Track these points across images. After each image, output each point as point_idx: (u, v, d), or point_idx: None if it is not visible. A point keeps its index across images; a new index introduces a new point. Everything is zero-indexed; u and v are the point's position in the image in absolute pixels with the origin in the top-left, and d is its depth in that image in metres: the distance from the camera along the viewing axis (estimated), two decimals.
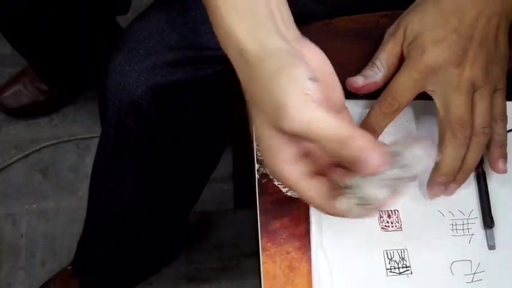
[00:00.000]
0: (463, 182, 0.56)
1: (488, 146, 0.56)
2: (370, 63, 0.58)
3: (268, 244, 0.54)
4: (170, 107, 0.68)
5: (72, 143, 1.37)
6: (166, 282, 1.28)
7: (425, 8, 0.55)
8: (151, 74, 0.65)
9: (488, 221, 0.55)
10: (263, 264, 0.53)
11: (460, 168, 0.55)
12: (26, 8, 0.91)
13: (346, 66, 0.57)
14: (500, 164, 0.56)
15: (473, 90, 0.54)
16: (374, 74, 0.57)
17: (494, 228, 0.56)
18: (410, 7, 0.58)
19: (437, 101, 0.54)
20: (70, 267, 1.16)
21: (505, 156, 0.56)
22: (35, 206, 1.32)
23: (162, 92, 0.66)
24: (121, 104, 0.68)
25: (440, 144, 0.54)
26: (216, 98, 0.71)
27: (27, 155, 1.35)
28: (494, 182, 0.58)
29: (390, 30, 0.59)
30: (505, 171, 0.56)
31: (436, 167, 0.55)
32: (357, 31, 0.63)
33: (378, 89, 0.57)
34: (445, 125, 0.54)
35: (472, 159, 0.55)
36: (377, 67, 0.57)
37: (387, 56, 0.57)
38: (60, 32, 1.00)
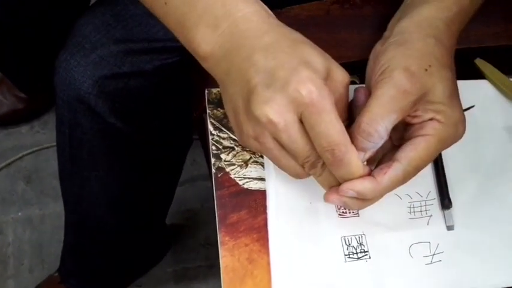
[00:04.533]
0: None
1: None
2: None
3: (227, 238, 0.54)
4: (118, 100, 0.68)
5: (54, 149, 1.35)
6: (155, 283, 1.28)
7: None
8: (97, 67, 0.64)
9: (446, 202, 0.55)
10: (222, 258, 0.53)
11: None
12: None
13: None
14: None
15: None
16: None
17: (452, 209, 0.55)
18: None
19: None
20: (56, 274, 1.16)
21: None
22: (20, 214, 1.32)
23: (109, 85, 0.65)
24: (69, 100, 0.67)
25: None
26: (168, 90, 0.71)
27: (9, 164, 1.35)
28: (451, 163, 0.57)
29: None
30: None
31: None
32: (307, 19, 0.62)
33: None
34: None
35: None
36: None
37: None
38: (27, 40, 1.00)
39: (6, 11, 0.91)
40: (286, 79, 0.44)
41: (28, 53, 1.05)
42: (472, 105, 0.59)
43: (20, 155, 1.36)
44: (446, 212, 0.55)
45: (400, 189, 0.55)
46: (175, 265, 1.29)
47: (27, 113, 1.36)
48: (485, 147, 0.58)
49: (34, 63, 1.10)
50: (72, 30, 0.68)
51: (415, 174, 0.48)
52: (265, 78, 0.45)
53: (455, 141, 0.49)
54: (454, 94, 0.49)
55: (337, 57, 0.57)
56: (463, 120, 0.49)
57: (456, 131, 0.49)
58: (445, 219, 0.55)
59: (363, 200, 0.48)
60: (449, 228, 0.55)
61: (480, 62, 0.62)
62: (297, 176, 0.49)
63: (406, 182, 0.48)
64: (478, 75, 0.62)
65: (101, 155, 0.76)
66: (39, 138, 1.38)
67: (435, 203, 0.56)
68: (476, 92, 0.60)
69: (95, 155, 0.76)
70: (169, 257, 1.27)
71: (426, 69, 0.48)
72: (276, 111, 0.44)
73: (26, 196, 1.33)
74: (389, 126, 0.47)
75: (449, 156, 0.57)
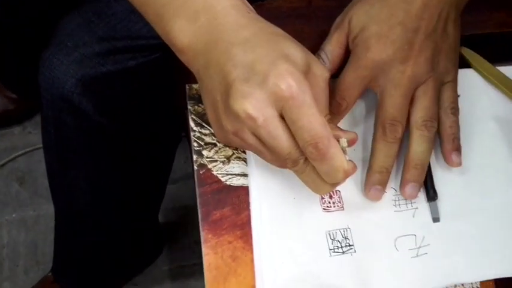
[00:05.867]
0: (421, 179, 0.54)
1: (441, 140, 0.55)
2: (315, 56, 0.56)
3: (209, 235, 0.53)
4: (103, 98, 0.67)
5: None
6: (151, 282, 1.27)
7: None
8: (79, 66, 0.64)
9: (431, 194, 0.54)
10: (205, 256, 0.53)
11: (408, 164, 0.54)
12: None
13: None
14: (454, 157, 0.55)
15: (415, 86, 0.53)
16: None
17: (437, 201, 0.54)
18: None
19: (378, 97, 0.54)
20: (50, 274, 1.16)
21: (458, 149, 0.55)
22: (14, 215, 1.31)
23: (93, 83, 0.65)
24: (53, 99, 0.67)
25: (372, 141, 0.54)
26: (153, 87, 0.70)
27: (2, 165, 1.35)
28: (436, 154, 0.57)
29: (337, 20, 0.57)
30: (459, 164, 0.55)
31: (369, 165, 0.54)
32: (289, 11, 0.61)
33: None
34: (377, 122, 0.53)
35: (420, 154, 0.53)
36: (322, 60, 0.56)
37: (332, 48, 0.56)
38: (25, 40, 0.99)
39: (5, 10, 0.91)
40: (265, 73, 0.43)
41: (23, 54, 1.05)
42: (458, 94, 0.58)
43: (13, 156, 1.35)
44: (432, 203, 0.54)
45: None
46: (171, 263, 1.29)
47: (18, 114, 1.36)
48: (472, 138, 0.57)
49: (26, 64, 1.09)
50: (55, 29, 0.67)
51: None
52: (243, 72, 0.44)
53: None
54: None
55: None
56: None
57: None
58: (430, 211, 0.54)
59: None
60: (435, 220, 0.54)
61: (466, 51, 0.61)
62: (284, 167, 0.49)
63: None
64: (464, 64, 0.61)
65: (87, 153, 0.75)
66: (32, 139, 1.37)
67: (421, 195, 0.55)
68: (462, 82, 0.59)
69: (81, 153, 0.75)
70: (164, 256, 1.26)
71: None
72: (254, 106, 0.43)
73: (19, 197, 1.33)
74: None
75: (434, 146, 0.56)
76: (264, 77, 0.43)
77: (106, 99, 0.68)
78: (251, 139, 0.46)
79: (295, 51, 0.45)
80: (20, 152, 1.35)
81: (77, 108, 0.67)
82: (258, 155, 0.49)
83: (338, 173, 0.45)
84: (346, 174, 0.46)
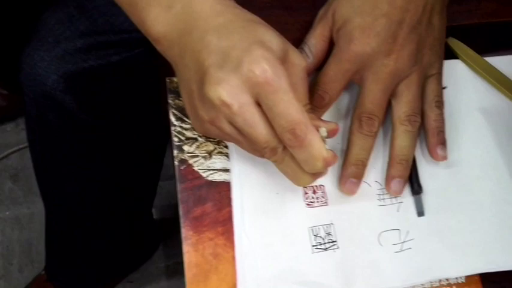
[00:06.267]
0: (406, 174, 0.53)
1: (426, 134, 0.54)
2: (298, 50, 0.55)
3: (190, 232, 0.52)
4: (86, 95, 0.66)
5: None
6: (147, 279, 1.27)
7: None
8: (61, 62, 0.63)
9: (416, 188, 0.53)
10: (185, 254, 0.52)
11: (392, 159, 0.53)
12: None
13: None
14: (439, 151, 0.54)
15: (398, 80, 0.52)
16: None
17: (422, 194, 0.53)
18: None
19: (360, 89, 0.53)
20: (43, 272, 1.15)
21: (443, 143, 0.54)
22: (7, 213, 1.31)
23: (76, 80, 0.64)
24: (35, 96, 0.66)
25: (349, 134, 0.53)
26: (137, 82, 0.69)
27: None
28: (421, 148, 0.55)
29: (320, 12, 0.56)
30: (445, 158, 0.54)
31: (344, 158, 0.53)
32: (273, 2, 0.60)
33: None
34: (354, 115, 0.52)
35: (404, 149, 0.52)
36: (305, 54, 0.55)
37: (316, 42, 0.55)
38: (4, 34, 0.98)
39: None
40: (239, 59, 0.42)
41: (5, 49, 1.04)
42: (444, 86, 0.57)
43: (6, 153, 1.35)
44: (416, 197, 0.53)
45: (369, 177, 0.54)
46: (167, 260, 1.28)
47: (11, 110, 1.35)
48: (458, 130, 0.56)
49: (10, 59, 1.08)
50: (36, 24, 0.66)
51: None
52: (218, 59, 0.43)
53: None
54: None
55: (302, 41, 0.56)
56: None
57: None
58: (415, 205, 0.53)
59: None
60: (420, 214, 0.53)
61: (452, 41, 0.60)
62: (263, 156, 0.48)
63: None
64: (451, 55, 0.60)
65: (71, 150, 0.74)
66: (25, 136, 1.33)
67: (406, 189, 0.54)
68: (448, 73, 0.57)
69: (66, 151, 0.74)
70: (161, 252, 1.26)
71: None
72: (229, 92, 0.42)
73: (13, 195, 1.32)
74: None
75: (419, 140, 0.55)
76: (238, 62, 0.42)
77: (90, 96, 0.67)
78: (228, 128, 0.45)
79: (272, 37, 0.44)
80: (13, 149, 1.35)
81: (60, 105, 0.66)
82: (236, 144, 0.48)
83: (317, 161, 0.44)
84: (326, 163, 0.45)
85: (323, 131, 0.46)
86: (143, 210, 1.06)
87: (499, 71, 0.59)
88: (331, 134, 0.48)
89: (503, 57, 0.60)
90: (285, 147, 0.45)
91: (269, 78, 0.42)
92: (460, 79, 0.59)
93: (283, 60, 0.44)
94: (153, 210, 1.16)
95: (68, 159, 0.76)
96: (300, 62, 0.46)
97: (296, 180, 0.48)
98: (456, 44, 0.60)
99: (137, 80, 0.69)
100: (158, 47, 0.49)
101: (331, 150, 0.45)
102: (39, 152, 0.77)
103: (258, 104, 0.43)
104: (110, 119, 0.71)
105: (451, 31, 0.59)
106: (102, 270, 1.12)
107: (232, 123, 0.44)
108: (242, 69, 0.42)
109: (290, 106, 0.42)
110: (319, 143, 0.44)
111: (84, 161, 0.77)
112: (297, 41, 0.55)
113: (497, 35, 0.62)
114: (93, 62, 0.64)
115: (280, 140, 0.44)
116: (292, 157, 0.46)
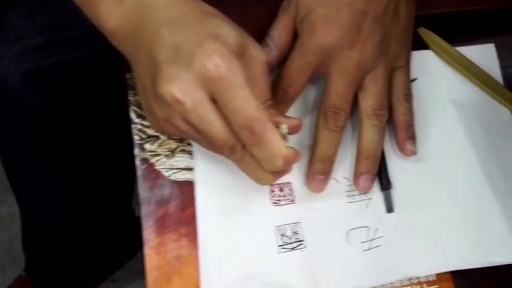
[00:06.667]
0: (374, 170, 0.51)
1: (395, 128, 0.53)
2: (262, 43, 0.53)
3: (152, 235, 0.51)
4: (48, 93, 0.64)
5: None
6: (132, 277, 1.25)
7: None
8: (22, 59, 0.61)
9: (385, 183, 0.52)
10: (146, 257, 0.50)
11: (360, 155, 0.51)
12: None
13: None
14: (408, 146, 0.52)
15: (363, 73, 0.50)
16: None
17: (392, 190, 0.52)
18: None
19: (325, 83, 0.51)
20: (24, 273, 1.13)
21: (413, 137, 0.52)
22: None
23: (37, 77, 0.62)
24: None
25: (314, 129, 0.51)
26: (100, 79, 0.67)
27: None
28: (391, 142, 0.54)
29: (284, 3, 0.54)
30: (414, 153, 0.52)
31: (311, 154, 0.51)
32: None
33: None
34: (320, 110, 0.51)
35: (371, 144, 0.51)
36: (269, 46, 0.53)
37: (279, 34, 0.53)
38: None
39: None
40: (191, 53, 0.40)
41: None
42: (414, 77, 0.55)
43: None
44: (386, 193, 0.52)
45: (338, 173, 0.52)
46: None
47: None
48: (429, 123, 0.55)
49: None
50: None
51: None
52: (170, 54, 0.41)
53: None
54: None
55: None
56: None
57: None
58: (384, 202, 0.51)
59: None
60: (389, 210, 0.51)
61: (423, 31, 0.58)
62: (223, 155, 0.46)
63: None
64: (422, 45, 0.58)
65: (38, 148, 0.72)
66: None
67: (375, 184, 0.52)
68: (419, 64, 0.56)
69: (32, 148, 0.73)
70: None
71: None
72: (181, 88, 0.40)
73: None
74: None
75: (388, 133, 0.53)
76: (190, 57, 0.40)
77: (53, 93, 0.65)
78: (183, 126, 0.43)
79: (228, 31, 0.42)
80: None
81: (22, 104, 0.64)
82: (195, 142, 0.47)
83: (277, 159, 0.43)
84: (286, 161, 0.43)
85: (284, 128, 0.44)
86: (122, 206, 1.04)
87: (471, 61, 0.57)
88: (293, 130, 0.46)
89: (475, 46, 0.58)
90: (244, 146, 0.43)
91: (222, 73, 0.40)
92: (431, 70, 0.57)
93: (241, 54, 0.42)
94: (136, 208, 1.14)
95: (36, 157, 0.74)
96: (259, 55, 0.44)
97: (258, 180, 0.47)
98: (427, 34, 0.58)
99: (99, 75, 0.67)
100: (113, 42, 0.47)
101: (292, 147, 0.43)
102: (6, 153, 0.75)
103: (214, 101, 0.42)
104: (72, 115, 0.69)
105: (422, 20, 0.57)
106: (83, 270, 1.10)
107: (187, 121, 0.43)
108: (194, 64, 0.40)
109: (246, 102, 0.41)
110: (278, 140, 0.42)
111: (53, 159, 0.75)
112: (266, 33, 0.54)
113: (470, 24, 0.61)
114: (55, 58, 0.62)
115: (238, 138, 0.43)
116: (252, 156, 0.44)
